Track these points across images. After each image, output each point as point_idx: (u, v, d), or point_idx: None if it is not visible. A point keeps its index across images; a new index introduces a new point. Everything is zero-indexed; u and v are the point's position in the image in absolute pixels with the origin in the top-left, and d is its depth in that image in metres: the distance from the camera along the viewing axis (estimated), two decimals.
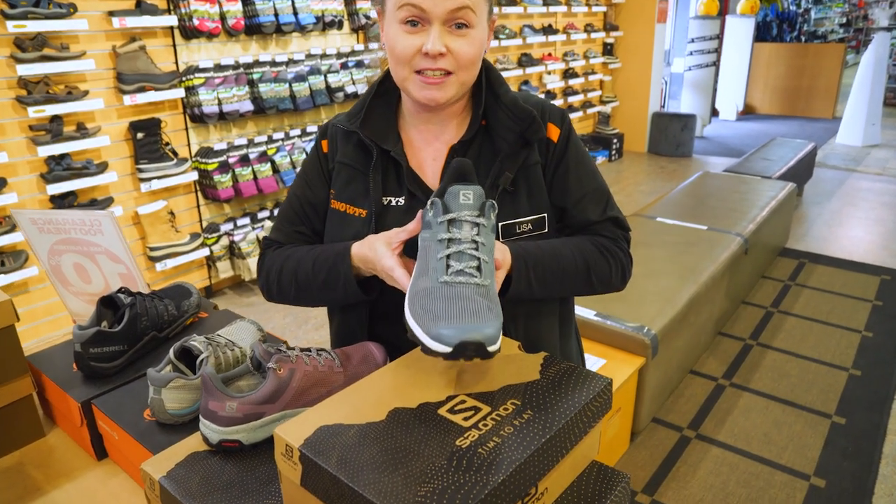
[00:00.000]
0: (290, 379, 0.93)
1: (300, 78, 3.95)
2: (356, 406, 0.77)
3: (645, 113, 7.46)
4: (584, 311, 2.59)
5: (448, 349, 0.74)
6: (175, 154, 3.54)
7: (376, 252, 0.97)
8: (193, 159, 3.67)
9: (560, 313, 1.17)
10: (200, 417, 0.91)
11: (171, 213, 3.63)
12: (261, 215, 4.02)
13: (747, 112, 10.06)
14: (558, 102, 6.51)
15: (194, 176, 3.61)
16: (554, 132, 1.10)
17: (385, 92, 1.13)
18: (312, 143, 1.18)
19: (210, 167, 3.65)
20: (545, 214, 1.08)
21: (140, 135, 3.33)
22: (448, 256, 0.83)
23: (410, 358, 0.88)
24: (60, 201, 3.12)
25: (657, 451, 2.53)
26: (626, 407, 2.46)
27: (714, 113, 9.44)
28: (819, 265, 4.29)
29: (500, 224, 1.04)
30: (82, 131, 3.08)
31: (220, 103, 3.57)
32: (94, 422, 1.10)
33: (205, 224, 3.84)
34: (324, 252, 1.07)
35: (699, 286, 2.88)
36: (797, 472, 2.39)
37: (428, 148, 1.11)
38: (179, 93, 3.41)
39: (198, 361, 1.04)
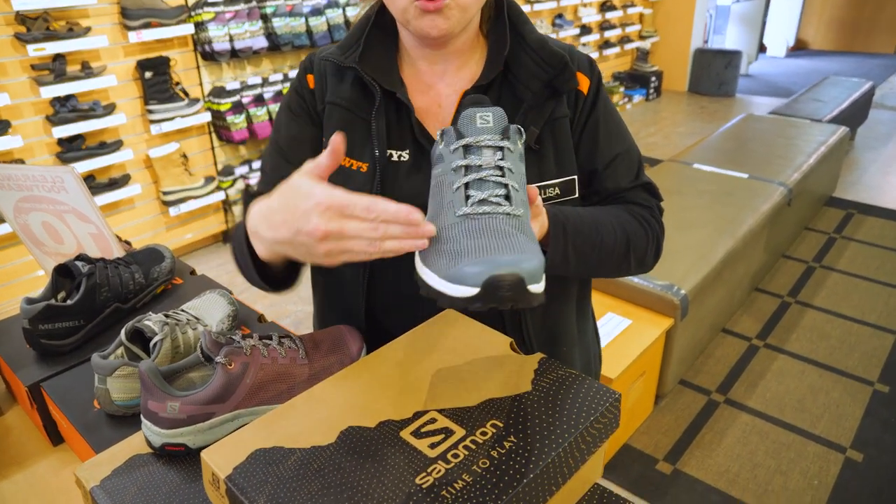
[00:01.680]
0: (243, 374, 0.80)
1: (317, 12, 3.72)
2: (303, 423, 0.64)
3: (686, 49, 6.99)
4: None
5: (474, 290, 0.55)
6: (186, 94, 3.39)
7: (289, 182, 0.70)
8: (206, 99, 3.52)
9: (578, 293, 1.02)
10: (141, 417, 0.80)
11: (184, 156, 3.51)
12: None
13: (798, 48, 9.41)
14: (594, 37, 6.12)
15: (207, 117, 3.47)
16: (584, 82, 0.93)
17: (382, 25, 0.95)
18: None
19: (223, 108, 3.50)
20: (575, 177, 0.92)
21: (148, 74, 3.19)
22: (466, 185, 0.63)
23: (377, 357, 0.74)
24: (68, 145, 3.02)
25: (682, 416, 2.40)
26: (652, 370, 2.32)
27: (762, 49, 8.85)
28: (869, 217, 4.00)
29: None
30: (87, 71, 2.94)
31: (231, 40, 3.38)
32: (45, 406, 1.00)
33: (220, 167, 3.72)
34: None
35: (736, 241, 2.67)
36: (833, 443, 2.24)
37: (434, 93, 0.93)
38: (188, 29, 3.23)
39: (151, 345, 0.92)
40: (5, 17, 2.74)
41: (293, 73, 3.77)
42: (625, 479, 2.12)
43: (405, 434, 0.62)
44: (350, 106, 0.92)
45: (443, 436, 0.61)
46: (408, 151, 0.91)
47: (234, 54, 3.43)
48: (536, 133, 0.89)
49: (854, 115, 5.00)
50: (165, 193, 3.45)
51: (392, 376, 0.70)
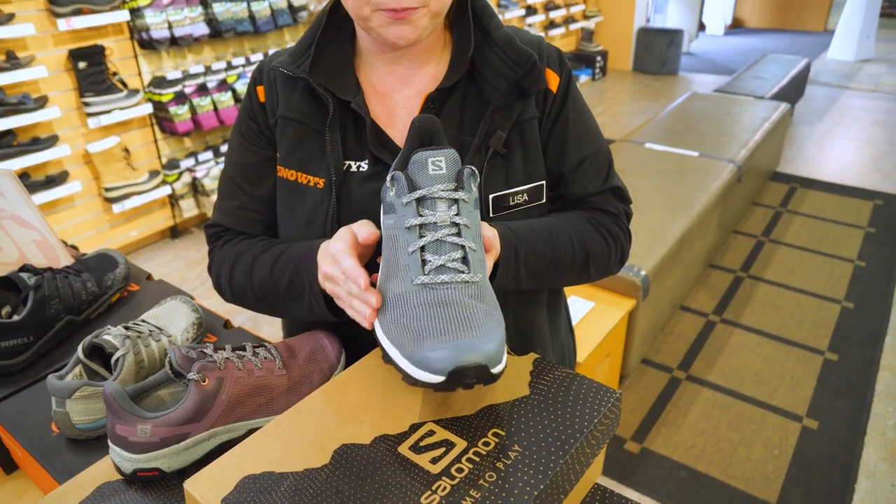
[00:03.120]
0: (218, 390, 0.75)
1: None
2: (293, 443, 0.60)
3: (630, 28, 7.08)
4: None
5: (440, 378, 0.56)
6: (124, 85, 3.22)
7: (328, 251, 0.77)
8: (146, 90, 3.35)
9: (549, 293, 1.00)
10: (109, 442, 0.74)
11: (126, 150, 3.34)
12: (224, 149, 3.74)
13: (736, 26, 9.66)
14: (540, 18, 6.12)
15: (148, 108, 3.30)
16: (553, 80, 0.89)
17: (336, 24, 0.89)
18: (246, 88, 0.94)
19: (164, 98, 3.34)
20: (543, 182, 0.88)
21: (82, 64, 3.00)
22: (422, 249, 0.63)
23: (364, 366, 0.70)
24: None
25: (647, 395, 2.44)
26: (616, 351, 2.34)
27: (701, 27, 9.04)
28: (811, 190, 4.15)
29: (491, 196, 0.84)
30: (13, 61, 2.75)
31: (170, 27, 3.22)
32: None
33: (164, 160, 3.56)
34: (285, 253, 0.85)
35: (691, 219, 2.71)
36: (790, 413, 2.32)
37: (395, 96, 0.88)
38: (123, 15, 3.05)
39: (112, 361, 0.86)
40: None
41: (236, 61, 3.63)
42: None
43: (404, 449, 0.58)
44: (303, 119, 0.86)
45: (444, 449, 0.58)
46: (366, 161, 0.86)
47: (174, 42, 3.27)
48: (504, 137, 0.84)
49: (792, 92, 5.16)
50: (108, 190, 3.28)
51: (382, 387, 0.66)
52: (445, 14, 0.88)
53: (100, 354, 0.89)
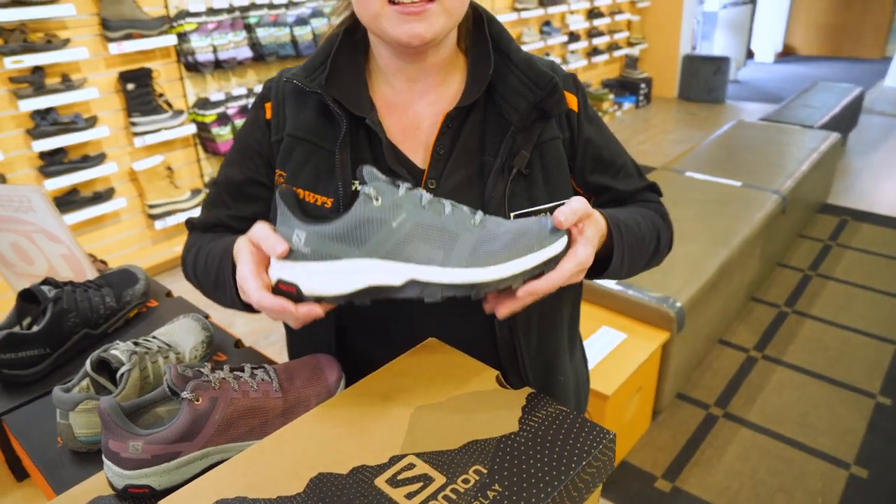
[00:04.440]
0: (212, 410, 0.73)
1: (302, 21, 3.67)
2: (270, 468, 0.58)
3: (675, 55, 7.00)
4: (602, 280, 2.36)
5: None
6: (170, 106, 3.33)
7: (238, 247, 0.74)
8: (190, 111, 3.46)
9: (569, 319, 0.98)
10: (103, 457, 0.73)
11: (169, 169, 3.45)
12: None
13: (786, 53, 9.45)
14: (583, 45, 6.11)
15: (192, 129, 3.40)
16: (572, 100, 0.90)
17: (352, 41, 0.89)
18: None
19: (208, 119, 3.44)
20: (566, 200, 0.87)
21: (130, 86, 3.12)
22: (453, 206, 0.67)
23: (354, 392, 0.68)
24: (50, 158, 2.95)
25: (680, 432, 2.34)
26: (648, 385, 2.26)
27: (749, 55, 8.88)
28: (863, 223, 3.97)
29: (513, 215, 0.83)
30: (67, 83, 2.88)
31: (215, 51, 3.33)
32: (8, 440, 0.93)
33: (206, 179, 3.66)
34: (217, 244, 0.85)
35: (731, 251, 2.62)
36: (836, 459, 2.19)
37: (411, 114, 0.87)
38: (171, 40, 3.17)
39: (118, 376, 0.86)
40: None
41: None
42: (623, 498, 2.07)
43: (380, 482, 0.56)
44: (312, 138, 0.85)
45: (421, 484, 0.55)
46: None
47: (218, 65, 3.37)
48: (527, 157, 0.84)
49: (845, 121, 4.99)
50: (151, 207, 3.38)
51: (369, 415, 0.64)
52: (461, 36, 0.88)
53: (108, 369, 0.90)
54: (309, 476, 0.57)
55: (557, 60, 5.81)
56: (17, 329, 0.98)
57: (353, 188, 0.84)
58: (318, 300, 0.65)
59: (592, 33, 6.29)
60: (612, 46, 6.60)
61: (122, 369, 0.86)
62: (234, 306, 0.85)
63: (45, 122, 2.85)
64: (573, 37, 6.01)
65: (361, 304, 0.65)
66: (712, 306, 2.59)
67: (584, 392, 1.08)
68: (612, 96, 6.46)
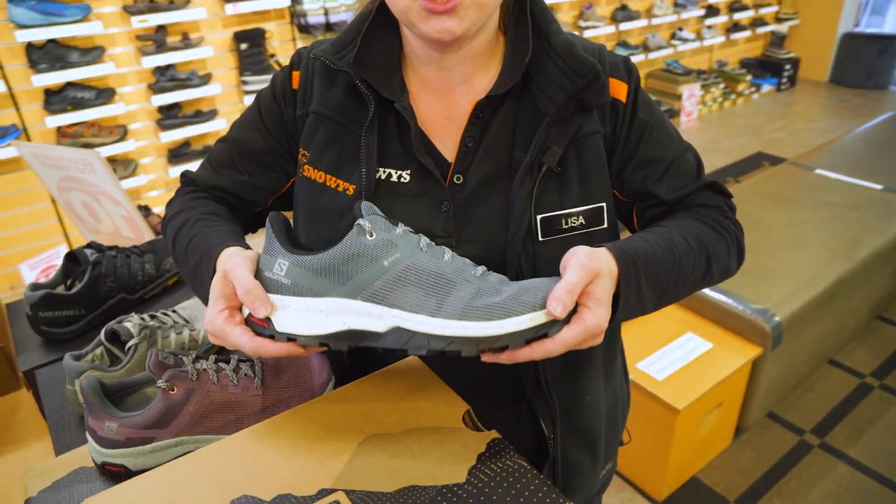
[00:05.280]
0: (186, 402, 0.72)
1: None
2: (198, 485, 0.55)
3: (832, 33, 6.25)
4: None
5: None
6: (280, 66, 3.42)
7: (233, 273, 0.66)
8: None
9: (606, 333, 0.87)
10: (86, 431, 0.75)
11: None
12: None
13: None
14: (722, 20, 5.60)
15: None
16: (621, 89, 0.78)
17: (386, 17, 0.82)
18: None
19: None
20: (603, 205, 0.77)
21: (244, 45, 3.23)
22: (454, 255, 0.62)
23: (313, 407, 0.64)
24: (167, 112, 3.13)
25: (765, 455, 2.13)
26: (732, 401, 2.07)
27: None
28: None
29: (539, 217, 0.75)
30: (186, 42, 3.03)
31: (326, 13, 3.37)
32: (38, 392, 0.99)
33: None
34: (204, 236, 0.78)
35: (855, 264, 2.31)
36: None
37: (443, 102, 0.80)
38: (284, 1, 3.23)
39: (126, 348, 0.87)
40: None
41: None
42: None
43: None
44: (340, 118, 0.80)
45: None
46: (409, 171, 0.78)
47: (329, 28, 3.41)
48: (559, 154, 0.74)
49: None
50: None
51: (316, 438, 0.59)
52: (501, 16, 0.79)
53: (120, 339, 0.91)
54: (231, 497, 0.53)
55: (691, 36, 5.38)
56: (57, 290, 1.03)
57: (378, 176, 0.79)
58: (290, 339, 0.60)
59: (734, 7, 5.75)
60: (757, 22, 6.01)
61: (130, 343, 0.87)
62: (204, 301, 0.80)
63: (163, 78, 3.02)
64: (711, 10, 5.52)
65: (338, 349, 0.60)
66: (822, 323, 2.31)
67: (620, 412, 0.97)
68: (749, 77, 5.92)
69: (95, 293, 1.04)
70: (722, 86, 5.69)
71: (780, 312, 2.02)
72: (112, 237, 1.36)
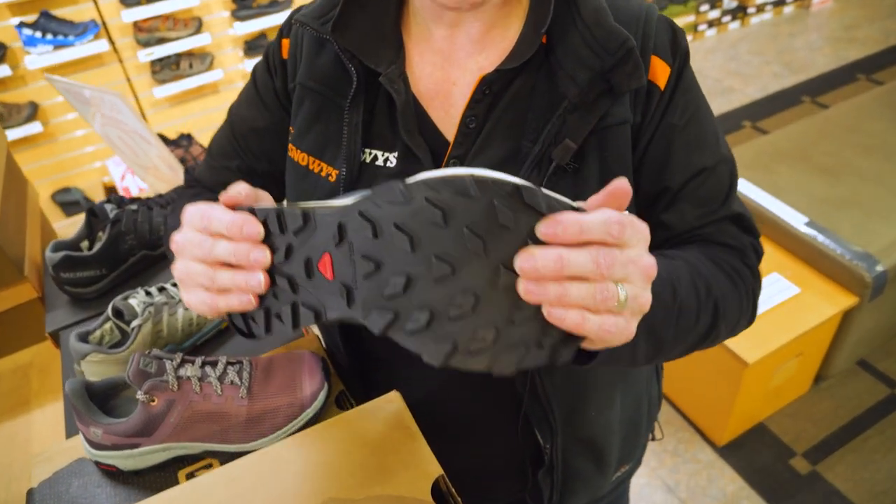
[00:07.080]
0: (167, 412, 0.70)
1: None
2: None
3: None
4: (791, 213, 1.93)
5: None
6: None
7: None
8: None
9: None
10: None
11: None
12: None
13: None
14: None
15: None
16: (662, 71, 0.63)
17: None
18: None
19: None
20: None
21: None
22: None
23: (270, 456, 0.59)
24: (241, 3, 3.03)
25: (846, 407, 1.98)
26: (813, 352, 1.90)
27: None
28: None
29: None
30: None
31: None
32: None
33: None
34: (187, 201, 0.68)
35: None
36: None
37: (450, 70, 0.67)
38: None
39: (130, 328, 0.86)
40: None
41: None
42: (745, 467, 1.84)
43: None
44: (326, 90, 0.68)
45: None
46: (396, 154, 0.67)
47: None
48: (573, 148, 0.60)
49: None
50: None
51: (274, 490, 0.55)
52: None
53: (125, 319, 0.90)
54: None
55: None
56: (77, 250, 1.02)
57: (363, 159, 0.68)
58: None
59: None
60: None
61: (134, 323, 0.85)
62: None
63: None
64: None
65: None
66: None
67: (646, 416, 0.87)
68: None
69: (116, 252, 1.03)
70: None
71: (887, 260, 1.78)
72: (155, 171, 1.34)
